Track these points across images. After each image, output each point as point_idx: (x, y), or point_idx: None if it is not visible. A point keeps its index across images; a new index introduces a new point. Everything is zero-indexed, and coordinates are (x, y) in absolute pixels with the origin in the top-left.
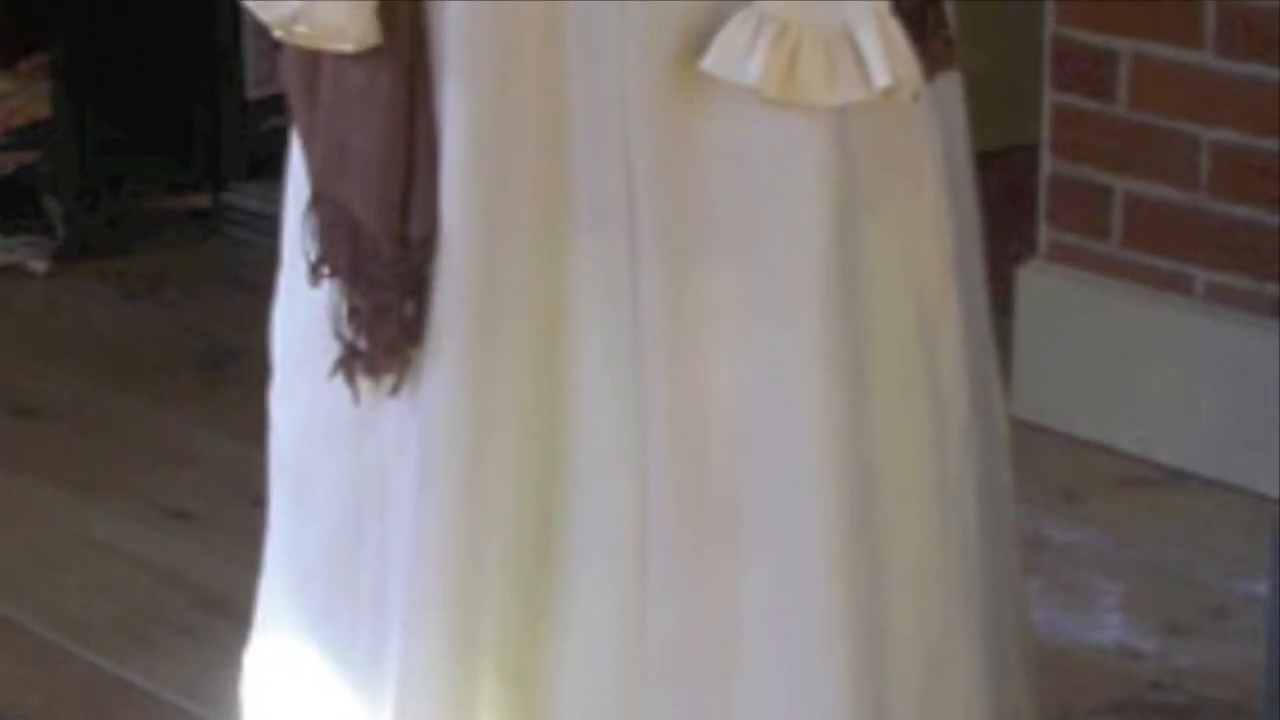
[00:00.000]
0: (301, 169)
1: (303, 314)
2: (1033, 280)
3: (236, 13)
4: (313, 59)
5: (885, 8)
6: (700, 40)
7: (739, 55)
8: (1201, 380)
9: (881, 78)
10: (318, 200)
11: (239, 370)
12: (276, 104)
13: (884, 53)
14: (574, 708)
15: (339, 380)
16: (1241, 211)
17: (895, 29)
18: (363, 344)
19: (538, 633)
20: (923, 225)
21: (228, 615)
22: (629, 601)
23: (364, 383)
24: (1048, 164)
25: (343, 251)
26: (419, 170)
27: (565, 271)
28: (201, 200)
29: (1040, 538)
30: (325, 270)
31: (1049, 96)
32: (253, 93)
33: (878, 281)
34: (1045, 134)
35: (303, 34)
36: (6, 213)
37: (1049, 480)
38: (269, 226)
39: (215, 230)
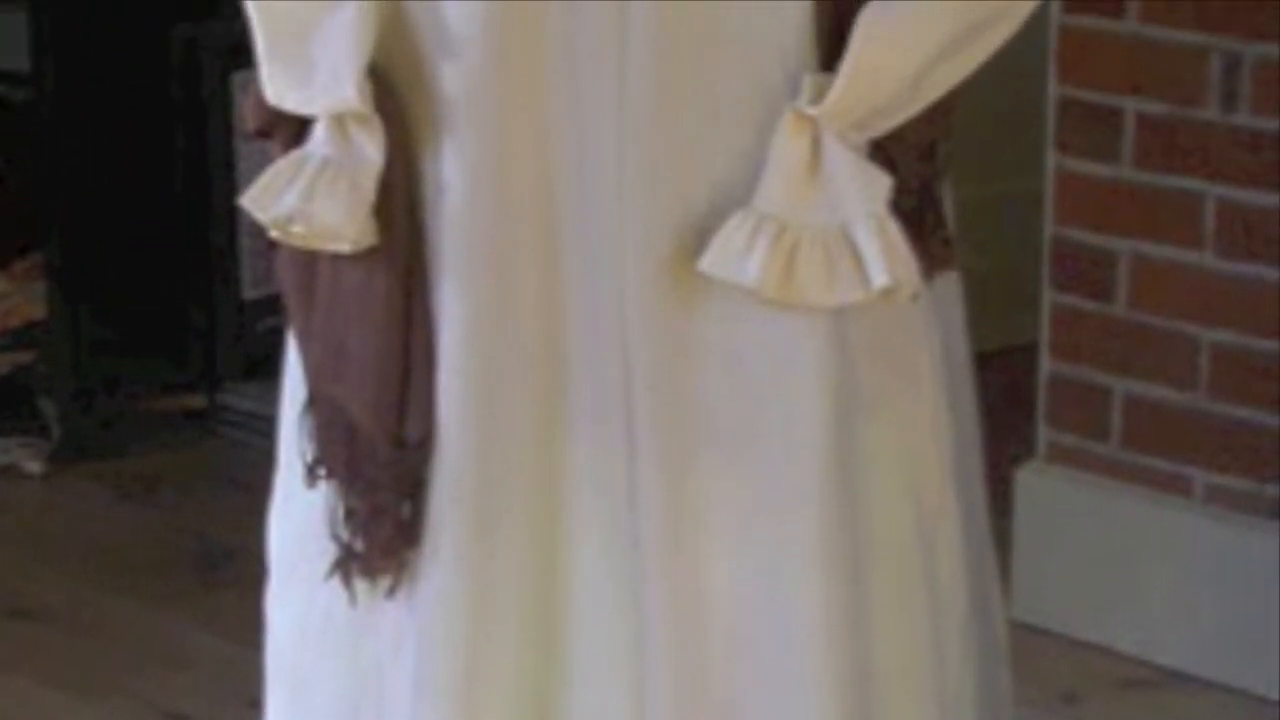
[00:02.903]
0: (298, 369)
1: (299, 515)
2: (1032, 481)
3: (232, 213)
4: (309, 259)
5: (884, 208)
6: (698, 239)
7: (737, 255)
8: (1202, 582)
9: (880, 278)
10: (314, 401)
11: (235, 572)
12: (272, 305)
13: (883, 253)
14: None
15: (335, 581)
16: (1241, 413)
17: (894, 229)
18: (359, 545)
19: None
20: (921, 426)
21: None
22: None
23: (361, 584)
24: (1047, 364)
25: (339, 452)
26: (416, 371)
27: (563, 470)
28: (197, 401)
29: None
30: (322, 471)
31: (1048, 297)
32: (249, 293)
33: (876, 482)
34: (1044, 334)
35: (299, 234)
36: (1, 413)
37: (1049, 682)
38: (265, 427)
39: (211, 431)
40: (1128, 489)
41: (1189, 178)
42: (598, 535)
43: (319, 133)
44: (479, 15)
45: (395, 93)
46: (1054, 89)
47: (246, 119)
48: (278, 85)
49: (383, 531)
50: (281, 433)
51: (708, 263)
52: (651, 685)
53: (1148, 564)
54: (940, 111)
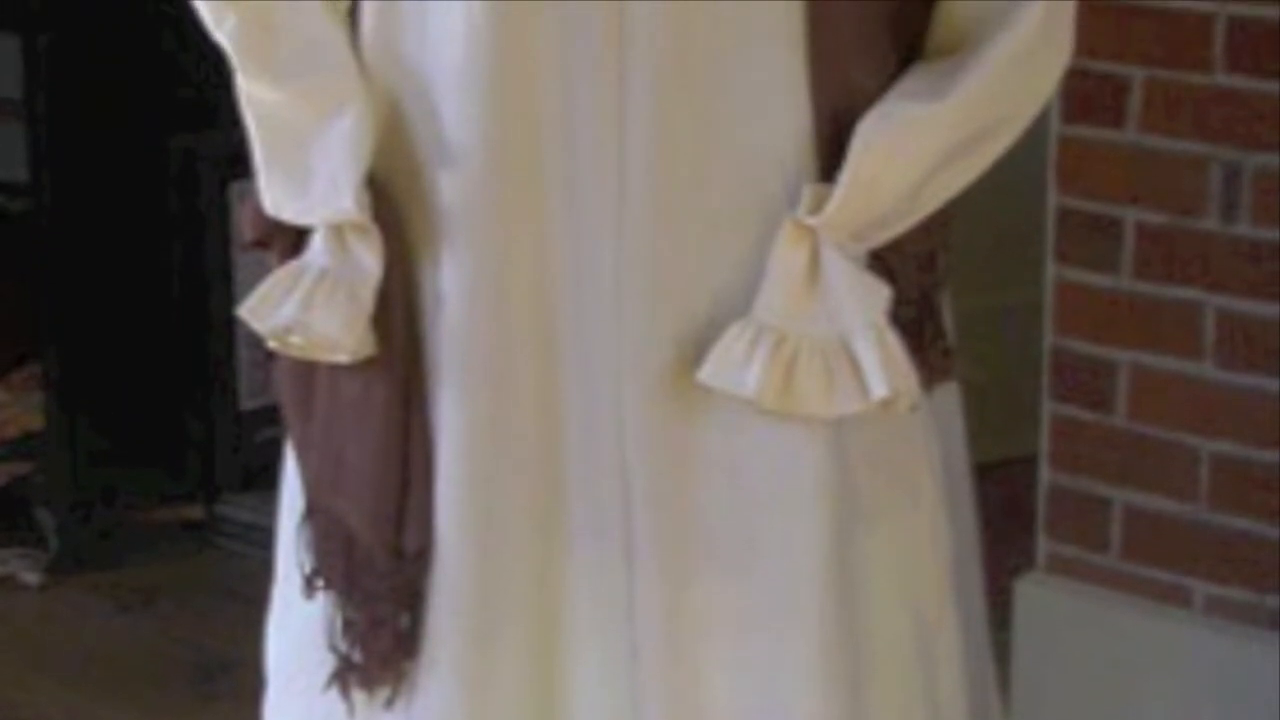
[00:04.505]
0: (296, 480)
1: (297, 626)
2: (1031, 592)
3: (230, 323)
4: (307, 370)
5: (883, 319)
6: (697, 350)
7: (736, 366)
8: (1201, 693)
9: (879, 389)
10: (312, 512)
11: (232, 683)
12: (270, 415)
13: (882, 364)
14: None
15: (334, 693)
16: (1241, 524)
17: (893, 340)
18: (358, 656)
19: None
20: (920, 537)
21: None
22: None
23: (359, 695)
24: (1046, 475)
25: (337, 564)
26: (414, 482)
27: (561, 583)
28: (195, 512)
29: None
30: (320, 582)
31: (1048, 407)
32: (246, 404)
33: (875, 594)
34: (1044, 445)
35: (298, 345)
36: None
37: None
38: (263, 538)
39: (208, 542)
40: (1128, 600)
41: (1189, 288)
42: (596, 646)
43: (317, 243)
44: (478, 126)
45: (394, 203)
46: (1053, 199)
47: (244, 229)
48: (276, 195)
49: (381, 642)
50: (279, 544)
51: (706, 373)
52: None
53: (1148, 675)
54: (939, 222)
